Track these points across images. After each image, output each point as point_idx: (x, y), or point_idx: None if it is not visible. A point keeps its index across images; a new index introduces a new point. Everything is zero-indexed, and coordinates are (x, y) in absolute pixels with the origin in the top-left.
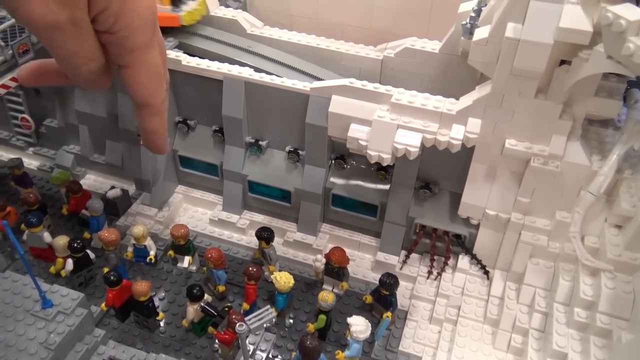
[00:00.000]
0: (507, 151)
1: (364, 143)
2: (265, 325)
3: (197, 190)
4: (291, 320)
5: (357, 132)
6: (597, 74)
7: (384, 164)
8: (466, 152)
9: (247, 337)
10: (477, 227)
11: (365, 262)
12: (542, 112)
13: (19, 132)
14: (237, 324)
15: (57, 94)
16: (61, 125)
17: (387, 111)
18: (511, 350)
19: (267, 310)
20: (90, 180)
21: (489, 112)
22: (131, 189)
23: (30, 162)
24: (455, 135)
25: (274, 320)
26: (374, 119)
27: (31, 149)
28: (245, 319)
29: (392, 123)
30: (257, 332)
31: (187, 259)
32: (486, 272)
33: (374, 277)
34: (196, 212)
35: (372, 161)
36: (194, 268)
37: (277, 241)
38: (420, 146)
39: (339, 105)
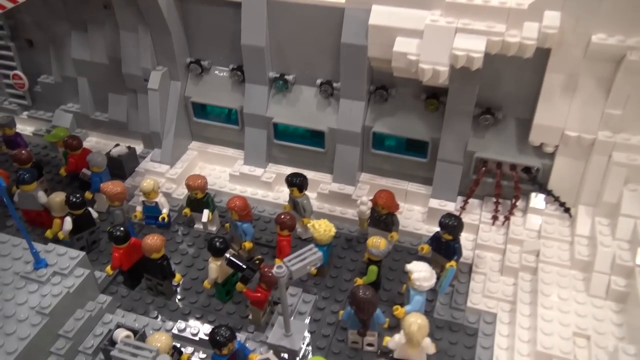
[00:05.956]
0: (594, 48)
1: (413, 58)
2: (308, 268)
3: (213, 146)
4: (333, 280)
5: (404, 46)
6: None
7: (440, 81)
8: (538, 64)
9: (287, 283)
10: (551, 156)
11: (414, 214)
12: None
13: (11, 93)
14: (275, 266)
15: (52, 43)
16: (58, 80)
17: (441, 16)
18: (611, 295)
19: (311, 250)
20: (92, 143)
21: (570, 1)
22: (138, 148)
23: (25, 128)
24: (528, 34)
25: (319, 263)
26: (426, 24)
27: (25, 112)
28: (284, 259)
29: (448, 27)
30: (300, 277)
31: (206, 212)
32: (567, 210)
33: (427, 230)
34: (214, 170)
35: (425, 78)
36: (214, 228)
37: (309, 195)
38: (484, 52)
39: (381, 16)
